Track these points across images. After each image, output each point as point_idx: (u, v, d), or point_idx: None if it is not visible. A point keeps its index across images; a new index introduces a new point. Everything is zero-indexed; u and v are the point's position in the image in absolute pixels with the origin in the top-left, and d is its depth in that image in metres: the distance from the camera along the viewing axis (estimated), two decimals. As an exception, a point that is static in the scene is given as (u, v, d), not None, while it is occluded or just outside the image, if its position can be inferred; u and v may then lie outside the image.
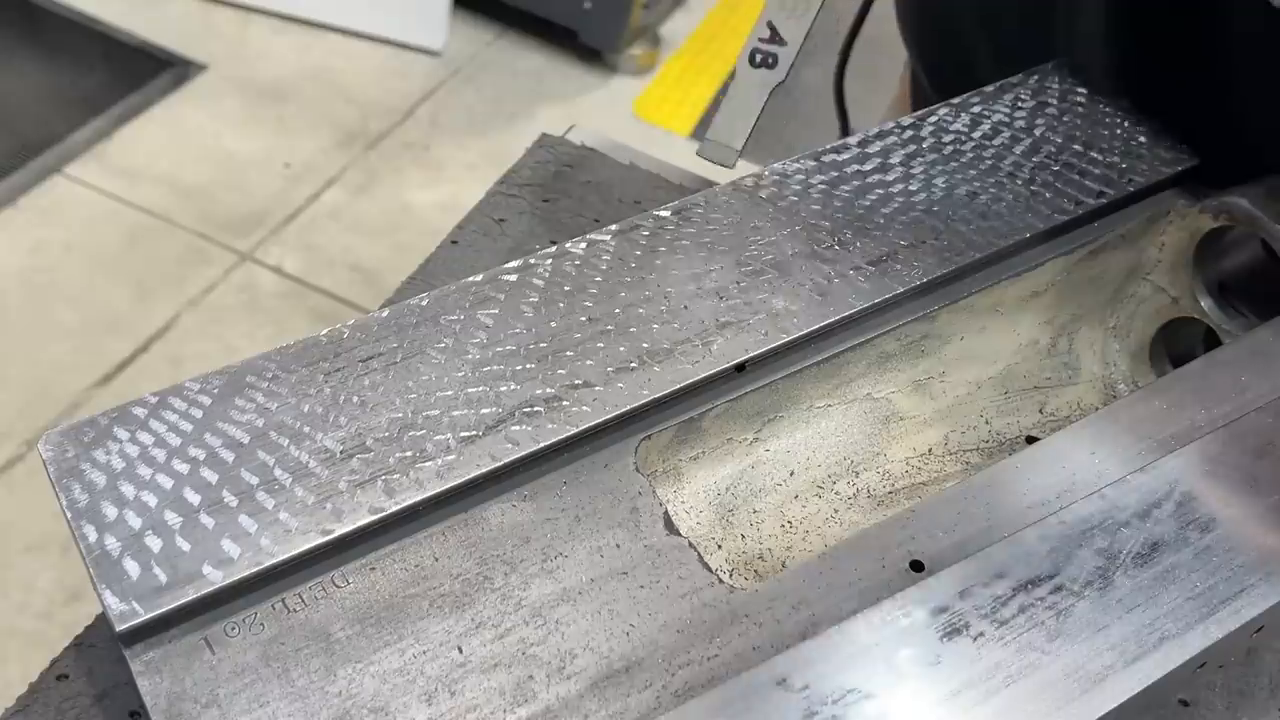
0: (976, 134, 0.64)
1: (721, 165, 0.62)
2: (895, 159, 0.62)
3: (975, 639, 0.45)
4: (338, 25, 2.42)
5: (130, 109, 2.20)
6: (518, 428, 0.49)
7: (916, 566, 0.47)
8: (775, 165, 0.61)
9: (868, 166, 0.61)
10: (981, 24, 0.80)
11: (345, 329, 0.52)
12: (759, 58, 0.61)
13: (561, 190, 0.76)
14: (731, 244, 0.57)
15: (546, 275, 0.55)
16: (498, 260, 0.71)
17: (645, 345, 0.53)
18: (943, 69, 0.87)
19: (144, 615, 0.42)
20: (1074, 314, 0.65)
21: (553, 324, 0.53)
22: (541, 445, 0.49)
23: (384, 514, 0.46)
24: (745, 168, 0.62)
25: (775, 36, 0.60)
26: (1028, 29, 0.76)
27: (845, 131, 0.96)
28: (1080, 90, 0.67)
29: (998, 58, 0.79)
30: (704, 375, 0.52)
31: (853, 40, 0.90)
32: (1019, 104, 0.66)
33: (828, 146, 0.63)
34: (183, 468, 0.46)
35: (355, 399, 0.49)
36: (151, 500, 0.45)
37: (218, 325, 1.90)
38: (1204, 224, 0.61)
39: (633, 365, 0.52)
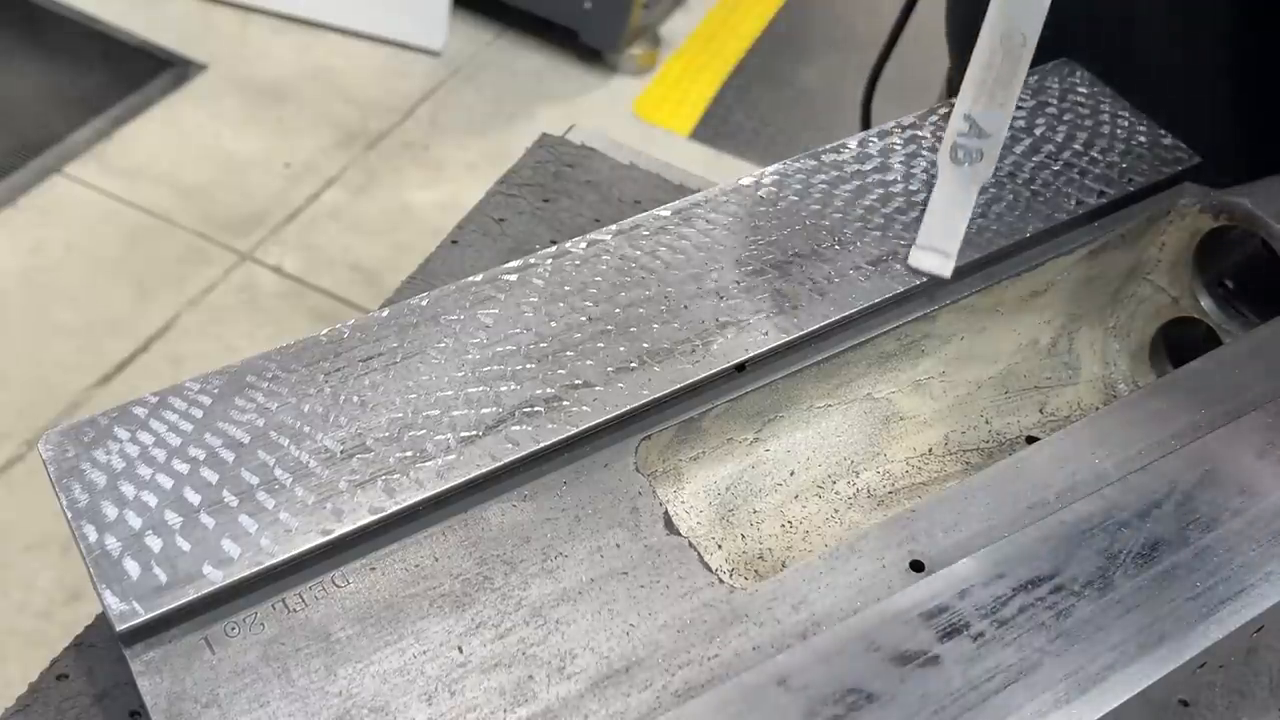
0: (976, 134, 0.64)
1: (939, 275, 0.56)
2: (895, 159, 0.62)
3: (975, 639, 0.45)
4: (337, 25, 2.42)
5: (130, 109, 2.20)
6: (518, 428, 0.49)
7: (916, 566, 0.47)
8: (775, 165, 0.61)
9: (868, 166, 0.61)
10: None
11: (345, 329, 0.52)
12: (961, 154, 0.57)
13: (561, 190, 0.76)
14: (731, 244, 0.57)
15: (546, 275, 0.55)
16: (498, 260, 0.71)
17: (645, 345, 0.53)
18: None
19: (144, 615, 0.42)
20: (1074, 314, 0.65)
21: (553, 324, 0.53)
22: (541, 445, 0.49)
23: (384, 514, 0.46)
24: (746, 167, 0.61)
25: (975, 129, 0.57)
26: (1047, 32, 0.75)
27: None
28: (1080, 90, 0.67)
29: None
30: (704, 375, 0.52)
31: (883, 63, 0.89)
32: (1019, 104, 0.66)
33: (827, 146, 0.63)
34: (183, 468, 0.46)
35: (355, 399, 0.49)
36: (151, 500, 0.45)
37: (218, 325, 1.90)
38: (1204, 224, 0.61)
39: (633, 365, 0.52)
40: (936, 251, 0.56)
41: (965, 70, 0.88)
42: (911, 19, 0.86)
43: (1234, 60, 0.66)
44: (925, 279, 0.57)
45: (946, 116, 0.64)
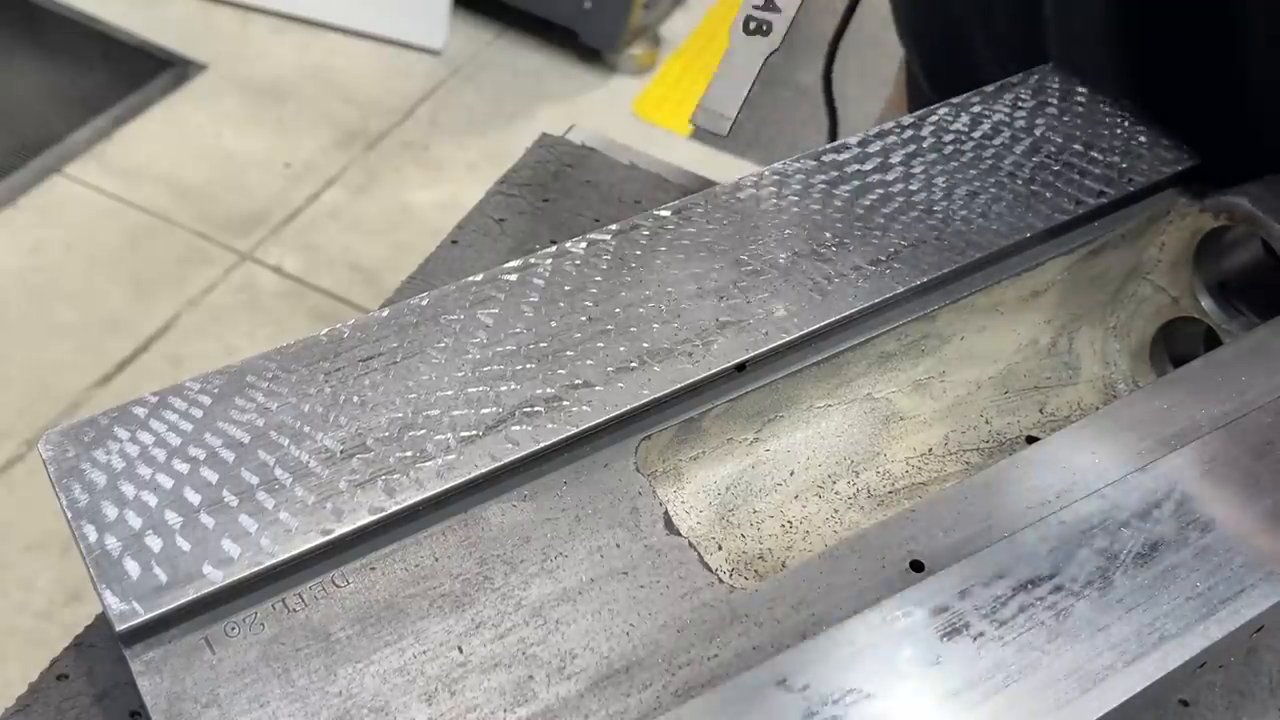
0: (976, 134, 0.64)
1: (715, 133, 0.61)
2: (895, 159, 0.62)
3: (975, 639, 0.45)
4: (338, 25, 2.42)
5: (130, 109, 2.20)
6: (518, 428, 0.49)
7: (916, 566, 0.47)
8: (775, 165, 0.61)
9: (868, 166, 0.61)
10: (979, 18, 0.80)
11: (345, 329, 0.52)
12: (753, 25, 0.60)
13: (561, 190, 0.76)
14: (731, 244, 0.57)
15: (546, 275, 0.55)
16: (498, 260, 0.71)
17: (645, 345, 0.53)
18: (939, 65, 0.87)
19: (144, 615, 0.42)
20: (1074, 314, 0.65)
21: (553, 324, 0.53)
22: (541, 445, 0.49)
23: (384, 514, 0.46)
24: (745, 167, 0.61)
25: (769, 3, 0.59)
26: (1024, 24, 0.75)
27: (834, 129, 0.96)
28: (1080, 90, 0.67)
29: (995, 53, 0.79)
30: (704, 375, 0.52)
31: (839, 38, 0.89)
32: (1019, 104, 0.66)
33: (827, 146, 0.63)
34: (183, 467, 0.46)
35: (355, 399, 0.49)
36: (152, 500, 0.45)
37: (218, 325, 1.90)
38: (1204, 224, 0.61)
39: (633, 365, 0.52)
40: (717, 114, 0.61)
41: (920, 63, 0.89)
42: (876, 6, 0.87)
43: (1234, 60, 0.66)
44: (925, 279, 0.57)
45: (946, 117, 0.64)
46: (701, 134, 0.62)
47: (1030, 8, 0.74)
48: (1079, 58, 0.69)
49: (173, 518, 0.45)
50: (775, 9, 0.59)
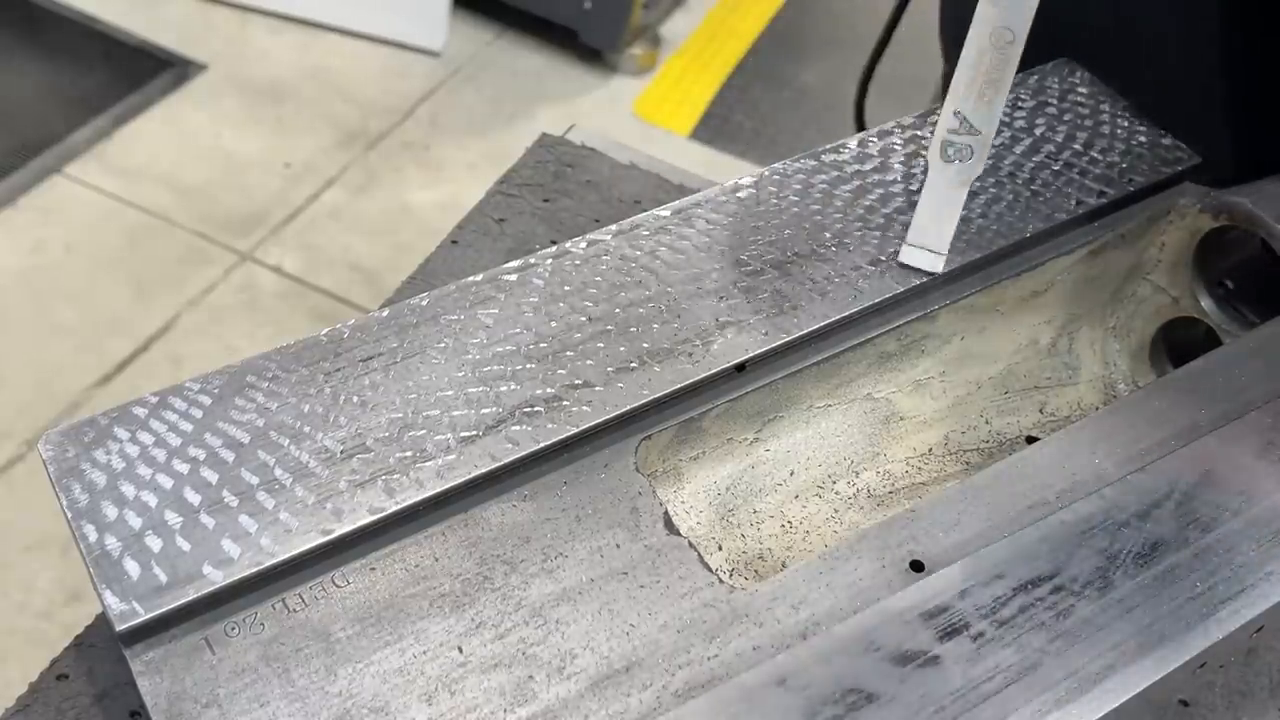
0: (976, 134, 0.64)
1: (930, 271, 0.56)
2: (895, 159, 0.62)
3: (975, 639, 0.45)
4: (337, 25, 2.42)
5: (130, 109, 2.20)
6: (518, 428, 0.49)
7: (916, 566, 0.47)
8: (775, 165, 0.61)
9: (868, 166, 0.61)
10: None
11: (345, 329, 0.52)
12: (951, 151, 0.57)
13: (561, 190, 0.76)
14: (731, 244, 0.57)
15: (546, 275, 0.55)
16: (498, 260, 0.71)
17: (645, 345, 0.53)
18: None
19: (144, 615, 0.42)
20: (1074, 314, 0.65)
21: (553, 324, 0.53)
22: (541, 445, 0.49)
23: (384, 514, 0.46)
24: (745, 167, 0.61)
25: (965, 125, 0.56)
26: (1047, 32, 0.75)
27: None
28: (1080, 90, 0.67)
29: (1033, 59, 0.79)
30: (704, 375, 0.52)
31: (873, 66, 0.89)
32: (1019, 104, 0.66)
33: (827, 146, 0.63)
34: (183, 468, 0.46)
35: (355, 399, 0.49)
36: (152, 500, 0.45)
37: (218, 325, 1.90)
38: (1204, 224, 0.61)
39: (633, 365, 0.52)
40: (927, 250, 0.57)
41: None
42: (906, 19, 0.86)
43: (1234, 60, 0.66)
44: (925, 278, 0.57)
45: (946, 116, 0.64)
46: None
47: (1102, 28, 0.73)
48: (1078, 58, 0.69)
49: (173, 518, 0.45)
50: (974, 131, 0.56)
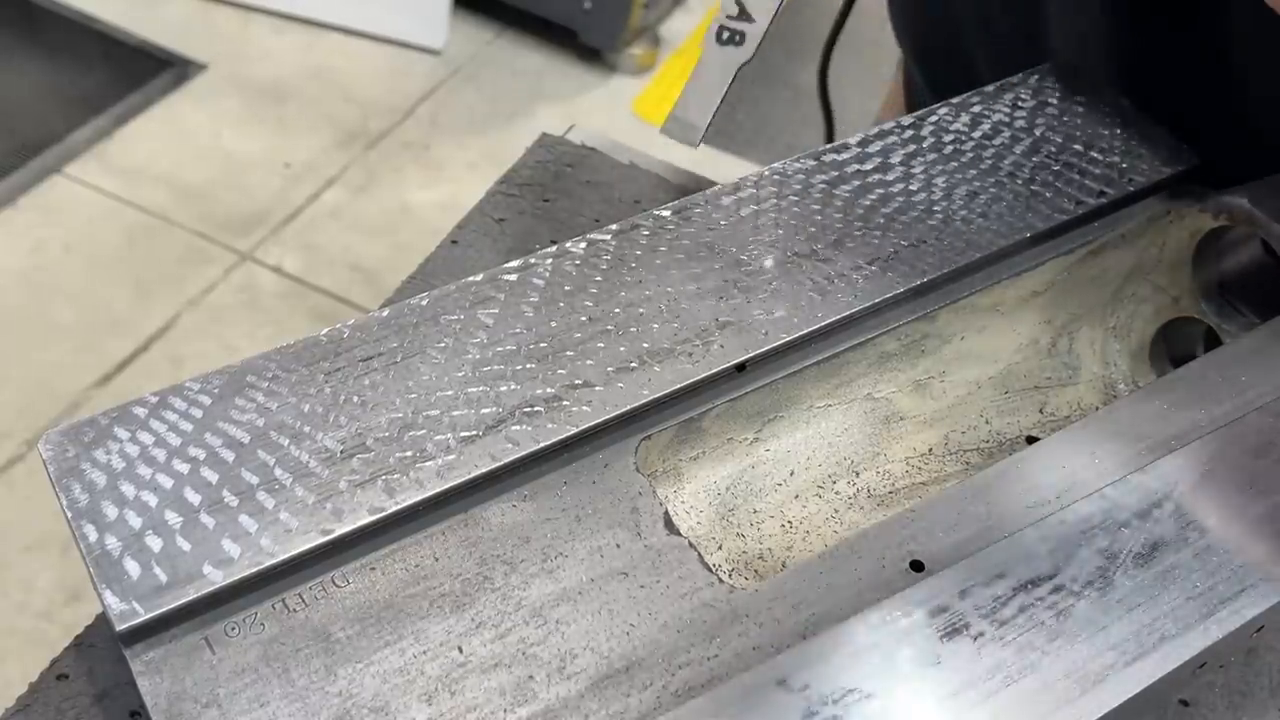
0: (976, 134, 0.64)
1: (685, 143, 0.60)
2: (895, 159, 0.62)
3: (975, 639, 0.45)
4: (338, 24, 2.42)
5: (130, 109, 2.20)
6: (518, 428, 0.49)
7: (916, 566, 0.47)
8: (775, 165, 0.61)
9: (868, 166, 0.61)
10: (976, 18, 0.80)
11: (345, 329, 0.52)
12: (725, 35, 0.59)
13: (561, 190, 0.76)
14: (731, 244, 0.57)
15: (546, 275, 0.55)
16: (498, 260, 0.71)
17: (645, 345, 0.53)
18: (936, 64, 0.87)
19: (144, 615, 0.42)
20: (1074, 314, 0.65)
21: (553, 324, 0.53)
22: (541, 445, 0.49)
23: (384, 514, 0.46)
24: (746, 167, 0.61)
25: (743, 14, 0.59)
26: (1023, 24, 0.75)
27: (830, 130, 0.96)
28: (1080, 90, 0.67)
29: (993, 53, 0.79)
30: (704, 375, 0.52)
31: (834, 40, 0.89)
32: (1019, 104, 0.66)
33: (827, 146, 0.63)
34: (183, 467, 0.46)
35: (355, 399, 0.49)
36: (152, 500, 0.45)
37: (218, 325, 1.90)
38: (1204, 224, 0.61)
39: (633, 365, 0.52)
40: (688, 124, 0.60)
41: (918, 64, 0.88)
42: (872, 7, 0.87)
43: (1233, 60, 0.66)
44: (925, 279, 0.57)
45: (946, 117, 0.64)
46: (704, 137, 0.61)
47: (1029, 7, 0.74)
48: (1079, 57, 0.69)
49: (173, 518, 0.45)
50: (749, 19, 0.59)
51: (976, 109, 0.65)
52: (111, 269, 1.93)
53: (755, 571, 0.55)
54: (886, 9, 0.88)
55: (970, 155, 0.63)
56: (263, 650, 0.43)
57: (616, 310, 0.54)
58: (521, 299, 0.54)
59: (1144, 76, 0.69)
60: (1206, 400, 0.53)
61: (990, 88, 0.67)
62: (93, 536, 0.44)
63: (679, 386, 0.52)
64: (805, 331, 0.54)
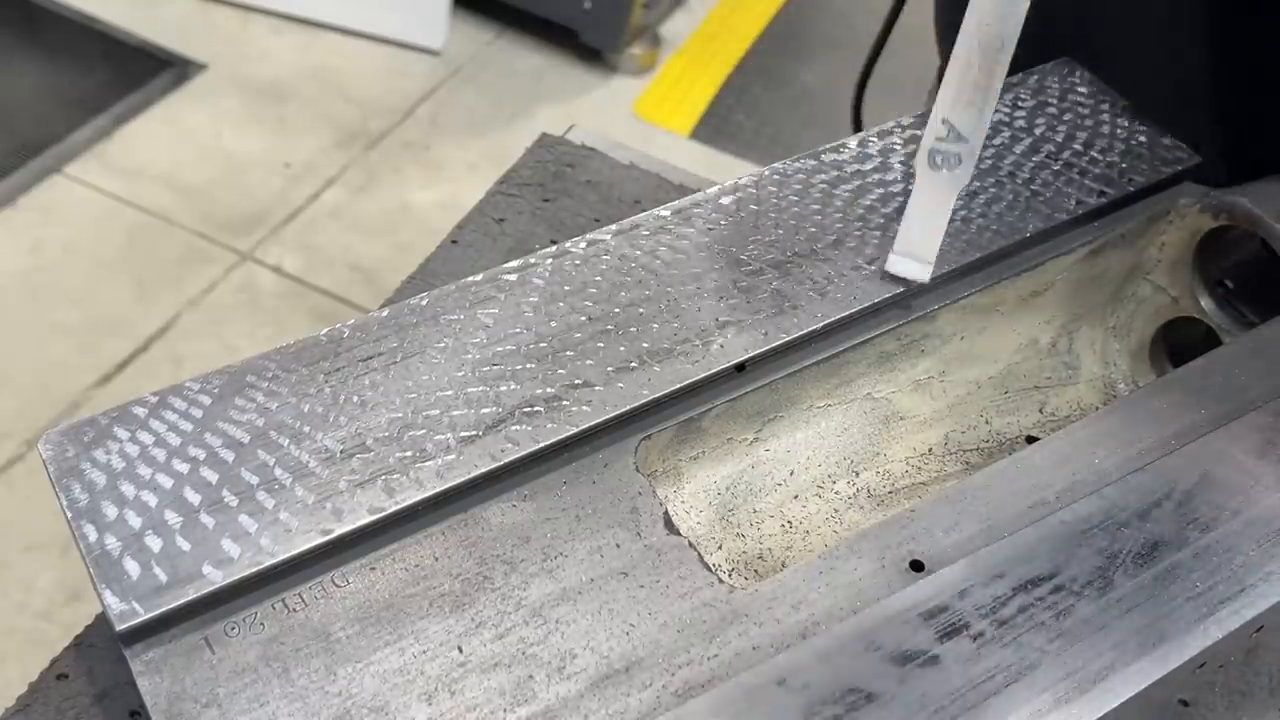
0: (976, 134, 0.64)
1: (916, 279, 0.56)
2: (895, 159, 0.62)
3: (975, 639, 0.45)
4: (337, 25, 2.42)
5: (130, 109, 2.20)
6: (518, 428, 0.49)
7: (916, 566, 0.47)
8: (775, 165, 0.61)
9: (868, 166, 0.61)
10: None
11: (345, 329, 0.52)
12: (939, 159, 0.56)
13: (561, 190, 0.76)
14: (731, 244, 0.57)
15: (546, 275, 0.55)
16: (498, 260, 0.71)
17: (645, 345, 0.53)
18: None
19: (144, 615, 0.42)
20: (1074, 314, 0.65)
21: (553, 324, 0.53)
22: (541, 445, 0.49)
23: (384, 514, 0.46)
24: (746, 167, 0.61)
25: (953, 133, 0.55)
26: (1046, 32, 0.75)
27: None
28: (1080, 90, 0.67)
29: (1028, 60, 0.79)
30: (704, 375, 0.52)
31: (871, 66, 0.88)
32: (1019, 104, 0.66)
33: (827, 146, 0.63)
34: (183, 467, 0.46)
35: (355, 399, 0.49)
36: (151, 500, 0.45)
37: (218, 325, 1.90)
38: (1204, 224, 0.61)
39: (633, 365, 0.52)
40: (914, 258, 0.56)
41: None
42: (904, 17, 0.86)
43: (1234, 60, 0.66)
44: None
45: (946, 116, 0.64)
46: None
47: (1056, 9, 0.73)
48: (1080, 57, 0.69)
49: (173, 518, 0.45)
50: (961, 139, 0.55)
51: (976, 109, 0.65)
52: (111, 269, 1.93)
53: (755, 571, 0.55)
54: (932, 17, 0.88)
55: (970, 155, 0.62)
56: (263, 650, 0.43)
57: (616, 310, 0.54)
58: (521, 299, 0.54)
59: (1144, 76, 0.69)
60: (1206, 400, 0.53)
61: (990, 88, 0.66)
62: (93, 536, 0.44)
63: (679, 386, 0.52)
64: (805, 331, 0.54)
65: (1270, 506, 0.50)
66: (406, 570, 0.46)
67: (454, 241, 0.72)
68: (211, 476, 0.46)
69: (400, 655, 0.44)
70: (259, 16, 2.42)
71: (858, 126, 0.94)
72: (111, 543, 0.44)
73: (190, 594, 0.43)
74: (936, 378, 0.62)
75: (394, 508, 0.46)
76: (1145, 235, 0.64)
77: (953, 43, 0.81)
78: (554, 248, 0.56)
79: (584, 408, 0.50)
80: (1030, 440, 0.63)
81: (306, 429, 0.48)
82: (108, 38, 2.31)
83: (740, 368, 0.54)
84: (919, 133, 0.63)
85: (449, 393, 0.50)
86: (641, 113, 2.36)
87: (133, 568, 0.43)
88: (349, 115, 2.27)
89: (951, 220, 0.59)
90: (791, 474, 0.58)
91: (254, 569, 0.44)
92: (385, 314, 0.53)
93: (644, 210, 0.60)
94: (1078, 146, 0.64)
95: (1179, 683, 0.51)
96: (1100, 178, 0.62)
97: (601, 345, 0.52)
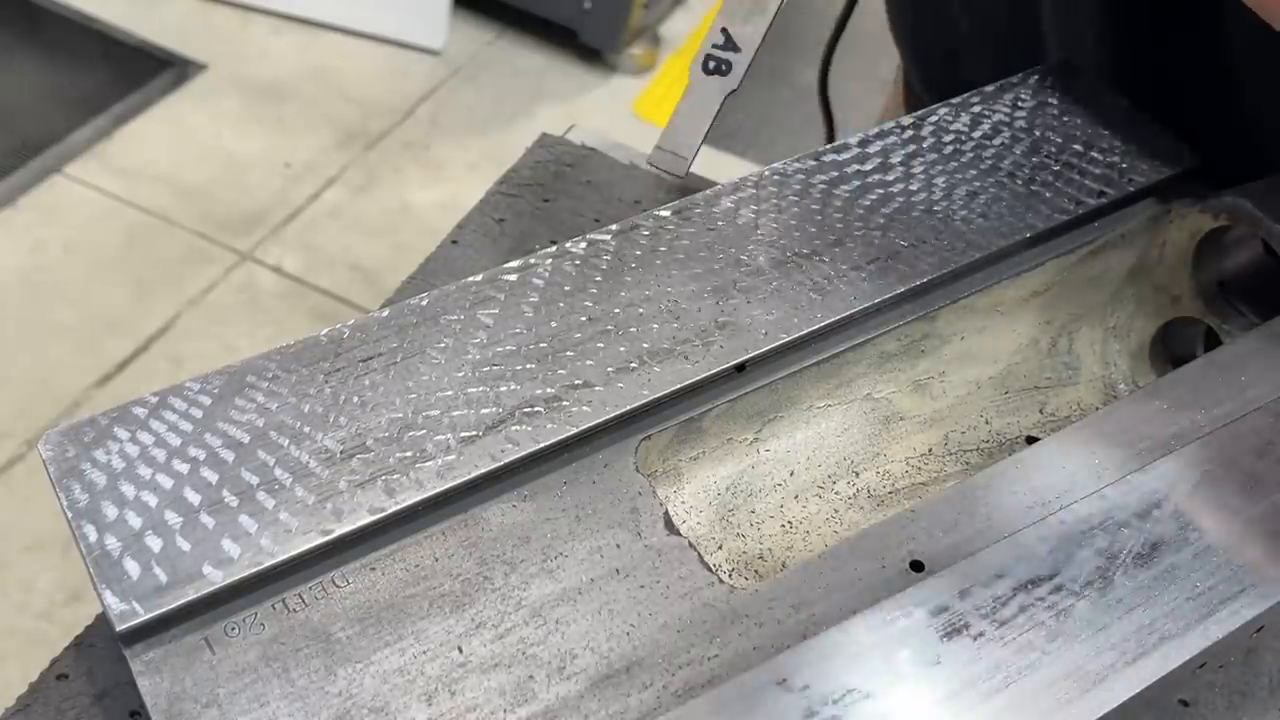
0: (976, 134, 0.64)
1: (671, 175, 0.60)
2: (895, 159, 0.62)
3: (975, 639, 0.45)
4: (337, 25, 2.42)
5: (130, 109, 2.20)
6: (518, 428, 0.49)
7: (916, 566, 0.47)
8: (775, 165, 0.61)
9: (868, 166, 0.61)
10: (974, 22, 0.80)
11: (345, 329, 0.52)
12: (712, 64, 0.59)
13: (561, 190, 0.76)
14: (732, 244, 0.57)
15: (546, 275, 0.55)
16: (498, 260, 0.71)
17: (645, 345, 0.53)
18: (933, 69, 0.87)
19: (144, 615, 0.42)
20: (1074, 314, 0.65)
21: (553, 324, 0.53)
22: (541, 445, 0.49)
23: (384, 514, 0.46)
24: (746, 167, 0.61)
25: (729, 43, 0.59)
26: (1021, 27, 0.75)
27: (831, 132, 0.96)
28: (1080, 90, 0.67)
29: (989, 56, 0.79)
30: (704, 375, 0.52)
31: (835, 43, 0.89)
32: (1019, 104, 0.66)
33: (827, 146, 0.63)
34: (183, 468, 0.46)
35: (355, 399, 0.49)
36: (151, 500, 0.45)
37: (218, 325, 1.90)
38: (1204, 224, 0.61)
39: (633, 365, 0.52)
40: (673, 154, 0.60)
41: (916, 67, 0.88)
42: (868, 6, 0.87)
43: (1234, 60, 0.66)
44: (925, 279, 0.57)
45: (946, 118, 0.64)
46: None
47: (1027, 9, 0.74)
48: (1078, 58, 0.69)
49: (173, 518, 0.45)
50: (735, 48, 0.59)
51: (976, 109, 0.65)
52: (111, 269, 1.93)
53: (755, 571, 0.55)
54: (886, 14, 0.88)
55: (970, 155, 0.63)
56: (263, 650, 0.43)
57: (616, 310, 0.54)
58: (521, 299, 0.54)
59: (1144, 76, 0.69)
60: (1206, 400, 0.53)
61: (990, 88, 0.67)
62: (93, 536, 0.44)
63: (679, 387, 0.52)
64: (805, 331, 0.54)
65: (1270, 506, 0.50)
66: (406, 570, 0.46)
67: (454, 241, 0.72)
68: (211, 477, 0.46)
69: (400, 655, 0.44)
70: (259, 16, 2.42)
71: (826, 107, 0.95)
72: (111, 543, 0.44)
73: (190, 594, 0.43)
74: (936, 378, 0.62)
75: (394, 508, 0.46)
76: (1145, 235, 0.64)
77: (909, 36, 0.82)
78: (554, 248, 0.56)
79: (584, 408, 0.50)
80: (1030, 440, 0.63)
81: (306, 429, 0.48)
82: (107, 38, 2.31)
83: (740, 368, 0.54)
84: (919, 133, 0.63)
85: (449, 393, 0.50)
86: (641, 113, 2.36)
87: (133, 568, 0.43)
88: (349, 115, 2.27)
89: (951, 220, 0.59)
90: (792, 474, 0.58)
91: (254, 569, 0.44)
92: (385, 314, 0.53)
93: (644, 210, 0.60)
94: (1078, 146, 0.64)
95: (1179, 683, 0.51)
96: (1100, 178, 0.62)
97: (601, 345, 0.52)
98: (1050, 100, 0.66)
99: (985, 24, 0.79)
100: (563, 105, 2.37)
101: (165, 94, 2.24)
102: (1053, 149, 0.63)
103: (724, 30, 0.59)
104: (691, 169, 0.69)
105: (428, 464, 0.48)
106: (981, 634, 0.45)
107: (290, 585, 0.45)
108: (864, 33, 0.91)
